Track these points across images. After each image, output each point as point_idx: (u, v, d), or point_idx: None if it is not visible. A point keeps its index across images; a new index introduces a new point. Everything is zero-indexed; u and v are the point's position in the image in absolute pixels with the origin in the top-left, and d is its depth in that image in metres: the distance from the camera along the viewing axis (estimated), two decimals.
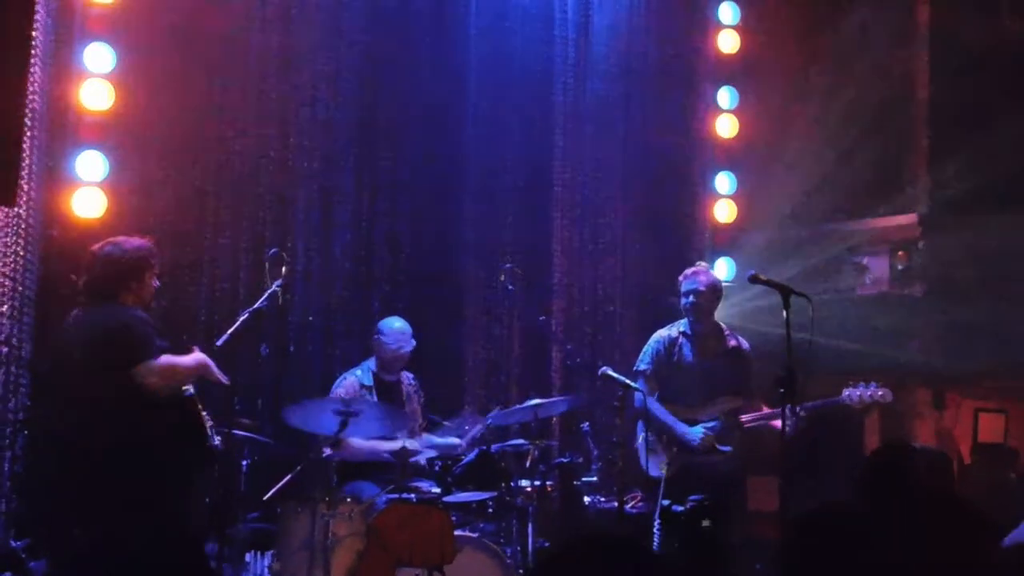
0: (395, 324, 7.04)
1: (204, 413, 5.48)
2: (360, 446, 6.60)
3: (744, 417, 6.89)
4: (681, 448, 6.82)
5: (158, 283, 5.59)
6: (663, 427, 6.85)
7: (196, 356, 5.44)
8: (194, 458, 5.41)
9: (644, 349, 7.13)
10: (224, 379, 5.54)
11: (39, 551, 6.03)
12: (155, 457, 5.08)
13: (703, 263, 7.52)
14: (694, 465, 6.79)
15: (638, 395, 6.68)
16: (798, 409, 6.51)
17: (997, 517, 3.56)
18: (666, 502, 6.44)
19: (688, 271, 7.12)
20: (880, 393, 6.67)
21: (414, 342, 7.05)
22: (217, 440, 5.47)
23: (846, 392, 6.69)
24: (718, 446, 6.83)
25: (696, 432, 6.82)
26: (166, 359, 5.24)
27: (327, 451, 6.12)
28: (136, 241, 5.48)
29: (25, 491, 6.27)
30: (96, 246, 5.45)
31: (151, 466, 5.05)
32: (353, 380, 6.91)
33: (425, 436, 7.04)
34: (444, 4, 8.23)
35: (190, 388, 5.46)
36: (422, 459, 6.56)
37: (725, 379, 7.01)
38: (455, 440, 6.95)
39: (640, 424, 6.91)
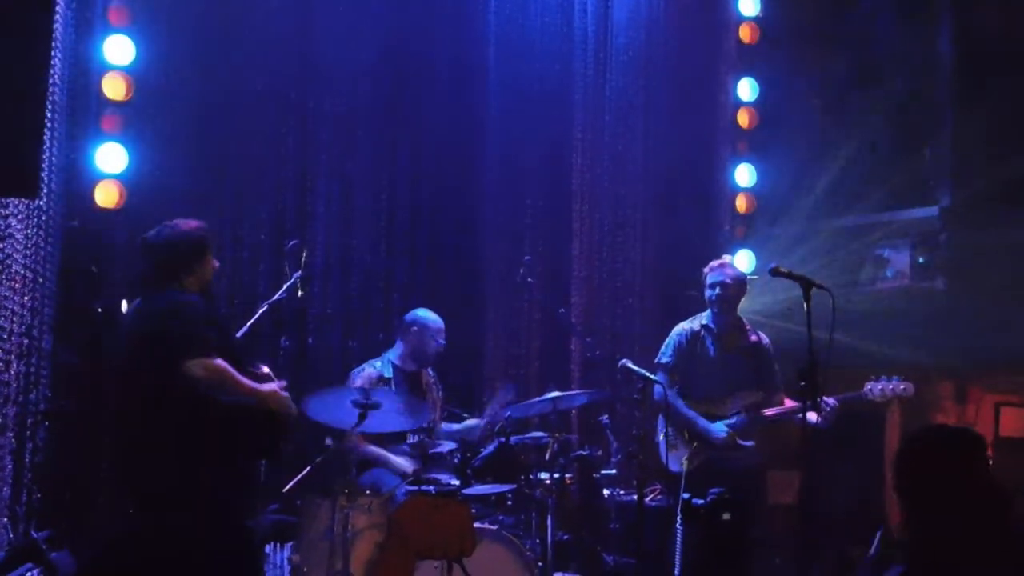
0: (437, 319, 7.00)
1: None
2: (370, 452, 6.62)
3: (767, 412, 6.86)
4: (703, 443, 6.80)
5: (218, 263, 5.47)
6: (685, 422, 6.83)
7: (269, 386, 5.15)
8: (269, 443, 5.29)
9: (666, 342, 7.10)
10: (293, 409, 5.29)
11: (60, 542, 6.06)
12: (225, 446, 4.99)
13: (728, 256, 7.49)
14: (714, 459, 6.77)
15: (658, 388, 6.67)
16: (831, 400, 6.51)
17: (1017, 512, 3.53)
18: (686, 496, 6.43)
19: (714, 263, 7.08)
20: (902, 387, 6.66)
21: None
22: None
23: (868, 386, 6.68)
24: (740, 441, 6.81)
25: (720, 428, 6.80)
26: (222, 364, 4.94)
27: (328, 441, 6.15)
28: (193, 222, 5.31)
29: (46, 482, 6.30)
30: (150, 233, 5.27)
31: (217, 455, 4.97)
32: (371, 372, 6.88)
33: (443, 425, 7.05)
34: None
35: (263, 367, 5.31)
36: (443, 449, 6.56)
37: (746, 373, 6.98)
38: (473, 422, 6.97)
39: (661, 418, 6.90)
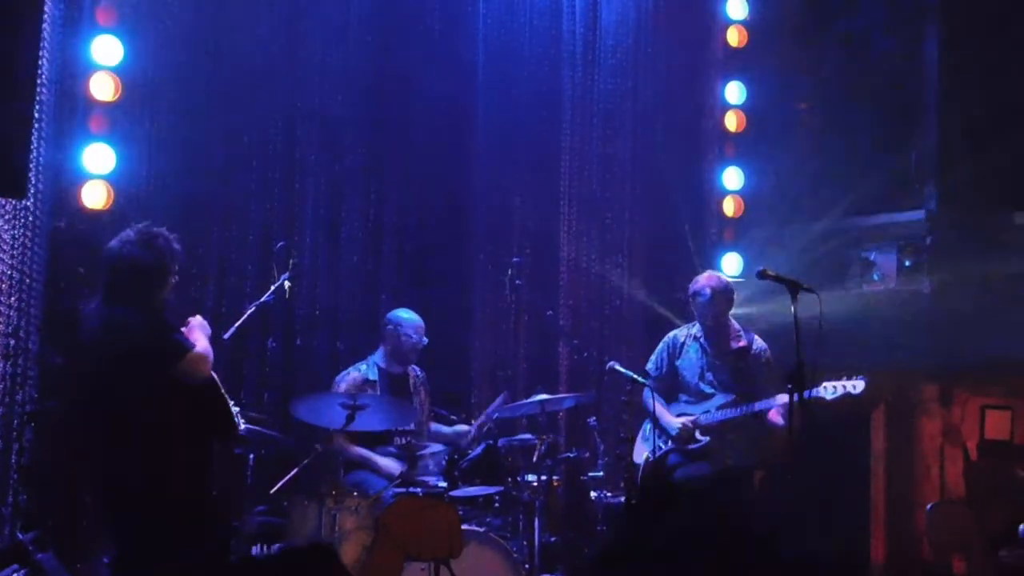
0: (412, 316, 7.03)
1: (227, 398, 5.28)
2: (356, 453, 6.63)
3: (728, 410, 6.86)
4: (668, 438, 6.84)
5: (176, 278, 5.35)
6: (652, 418, 6.84)
7: (200, 329, 5.07)
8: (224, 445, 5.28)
9: (656, 347, 7.17)
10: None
11: (46, 543, 6.03)
12: (191, 449, 4.96)
13: (716, 271, 7.43)
14: (691, 456, 6.82)
15: (646, 390, 6.68)
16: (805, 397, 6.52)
17: (1002, 513, 3.54)
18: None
19: (699, 277, 7.09)
20: (851, 384, 6.61)
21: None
22: (243, 425, 5.32)
23: (823, 383, 6.65)
24: (698, 436, 6.82)
25: (677, 423, 6.83)
26: (199, 351, 4.95)
27: (319, 447, 6.18)
28: (161, 241, 5.08)
29: (33, 483, 6.28)
30: (117, 243, 5.13)
31: (190, 461, 4.94)
32: (356, 375, 6.89)
33: (433, 426, 7.05)
34: None
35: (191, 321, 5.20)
36: (430, 451, 6.56)
37: (732, 377, 6.97)
38: (463, 427, 6.99)
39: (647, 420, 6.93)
